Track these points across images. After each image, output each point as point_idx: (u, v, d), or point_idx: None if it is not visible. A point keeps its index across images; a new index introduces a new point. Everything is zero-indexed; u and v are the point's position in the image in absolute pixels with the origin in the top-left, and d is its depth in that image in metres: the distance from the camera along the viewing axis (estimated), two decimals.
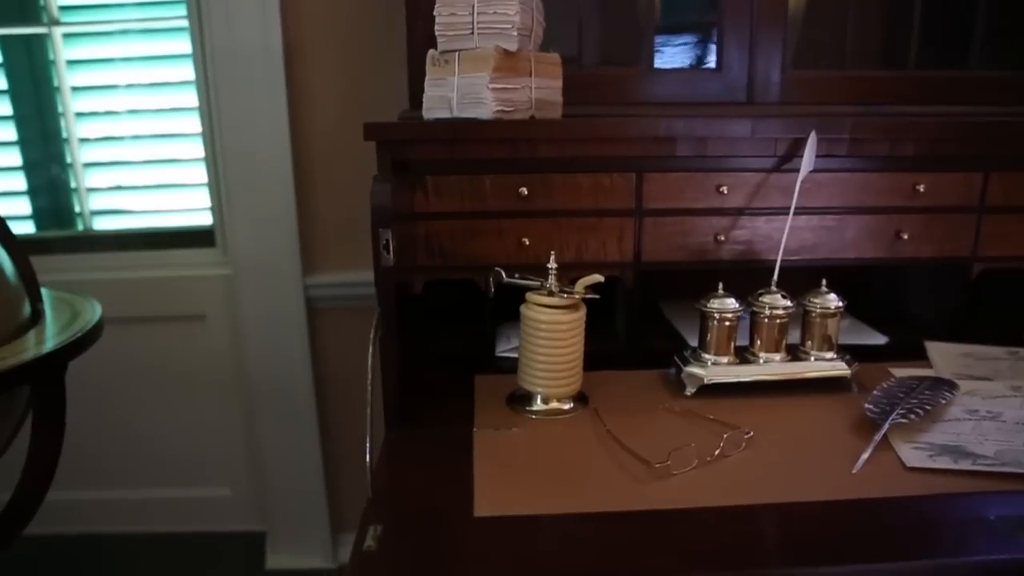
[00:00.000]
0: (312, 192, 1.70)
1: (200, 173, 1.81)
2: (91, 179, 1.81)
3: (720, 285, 1.02)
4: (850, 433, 0.90)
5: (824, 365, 1.02)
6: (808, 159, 1.05)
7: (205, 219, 1.85)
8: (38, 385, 0.97)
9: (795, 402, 0.99)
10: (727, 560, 0.67)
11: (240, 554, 1.94)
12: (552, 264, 0.96)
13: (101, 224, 1.85)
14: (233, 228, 1.71)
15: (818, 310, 1.02)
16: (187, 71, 1.74)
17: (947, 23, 1.34)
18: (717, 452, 0.84)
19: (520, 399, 1.00)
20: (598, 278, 0.93)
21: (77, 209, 1.83)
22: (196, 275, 1.85)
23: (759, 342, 1.03)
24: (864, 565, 0.64)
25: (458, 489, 0.79)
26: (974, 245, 1.13)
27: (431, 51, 1.13)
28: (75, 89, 1.75)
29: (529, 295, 0.97)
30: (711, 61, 1.36)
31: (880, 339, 1.19)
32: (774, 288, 1.02)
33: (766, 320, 1.01)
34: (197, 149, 1.79)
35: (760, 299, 1.01)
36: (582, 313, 0.95)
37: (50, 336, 1.08)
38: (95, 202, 1.83)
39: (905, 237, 1.12)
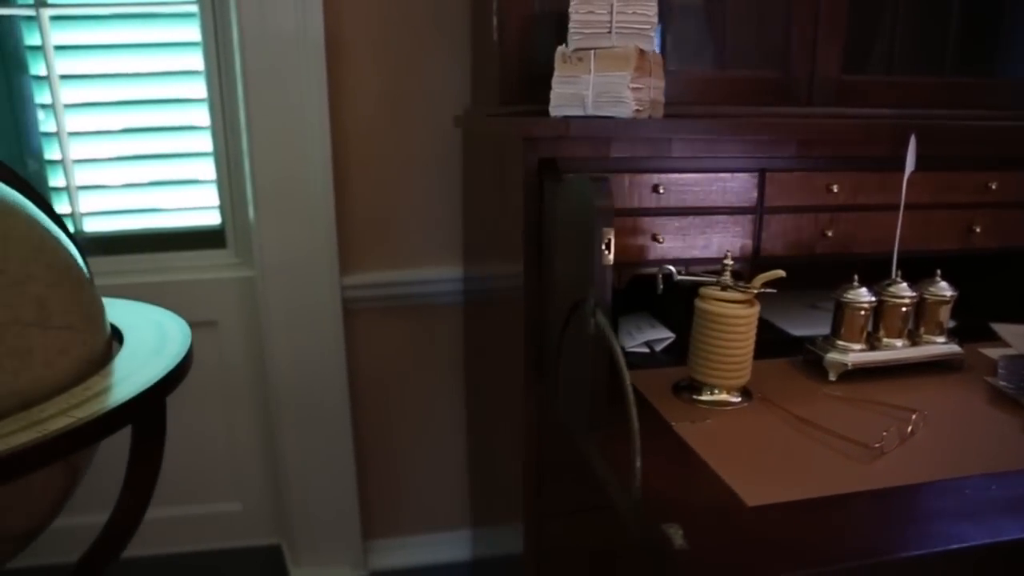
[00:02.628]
0: (347, 189, 1.63)
1: (206, 169, 1.69)
2: (79, 176, 1.64)
3: (856, 277, 1.10)
4: (992, 407, 1.01)
5: (943, 347, 1.12)
6: (910, 160, 1.15)
7: (208, 219, 1.73)
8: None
9: (927, 382, 1.08)
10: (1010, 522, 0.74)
11: (258, 569, 1.84)
12: (728, 260, 1.00)
13: (91, 226, 1.68)
14: (261, 228, 1.61)
15: (933, 297, 1.12)
16: (188, 60, 1.62)
17: (977, 33, 1.50)
18: (910, 430, 0.91)
19: (686, 389, 1.03)
20: (780, 273, 0.97)
21: (67, 210, 1.65)
22: (206, 279, 1.73)
23: (883, 329, 1.12)
24: None
25: (708, 482, 0.81)
26: None
27: (560, 48, 1.13)
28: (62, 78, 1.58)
29: (704, 290, 1.00)
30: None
31: (948, 323, 1.32)
32: (898, 279, 1.11)
33: (891, 308, 1.10)
34: (201, 143, 1.67)
35: (887, 289, 1.10)
36: (757, 308, 0.99)
37: (144, 361, 0.99)
38: (84, 202, 1.66)
39: (977, 230, 1.25)
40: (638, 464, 0.76)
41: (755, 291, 0.99)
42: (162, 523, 1.81)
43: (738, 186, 1.15)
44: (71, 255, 0.95)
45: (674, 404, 1.01)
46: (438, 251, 1.69)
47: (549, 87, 1.16)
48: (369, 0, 1.54)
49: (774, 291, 0.99)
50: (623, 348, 1.21)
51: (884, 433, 0.87)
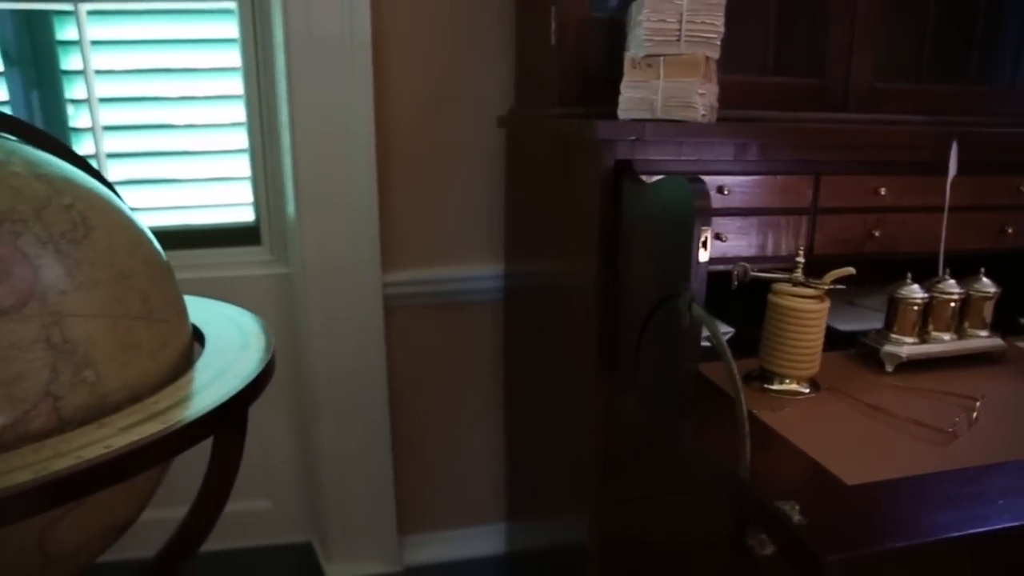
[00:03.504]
0: (387, 187, 1.66)
1: (239, 166, 1.70)
2: (112, 172, 1.65)
3: (909, 275, 1.17)
4: None
5: (987, 341, 1.20)
6: (953, 165, 1.22)
7: (241, 215, 1.74)
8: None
9: (974, 372, 1.16)
10: None
11: (290, 566, 1.86)
12: (800, 258, 1.06)
13: None
14: (303, 226, 1.63)
15: (978, 294, 1.19)
16: (223, 57, 1.64)
17: (999, 45, 1.59)
18: (975, 416, 0.98)
19: (757, 379, 1.09)
20: (850, 270, 1.03)
21: None
22: (241, 275, 1.74)
23: (932, 323, 1.19)
24: None
25: (802, 463, 0.87)
26: None
27: (630, 54, 1.17)
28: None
29: (777, 286, 1.06)
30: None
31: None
32: (946, 276, 1.18)
33: (940, 304, 1.17)
34: (235, 140, 1.69)
35: (936, 286, 1.17)
36: (828, 303, 1.05)
37: (236, 355, 1.01)
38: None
39: (1009, 231, 1.33)
40: (747, 445, 0.81)
41: (826, 287, 1.05)
42: None
43: (795, 188, 1.21)
44: (158, 249, 0.97)
45: (747, 393, 1.06)
46: (478, 249, 1.73)
47: (603, 90, 1.22)
48: (411, 2, 1.58)
49: (843, 287, 1.05)
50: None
51: (956, 419, 0.94)
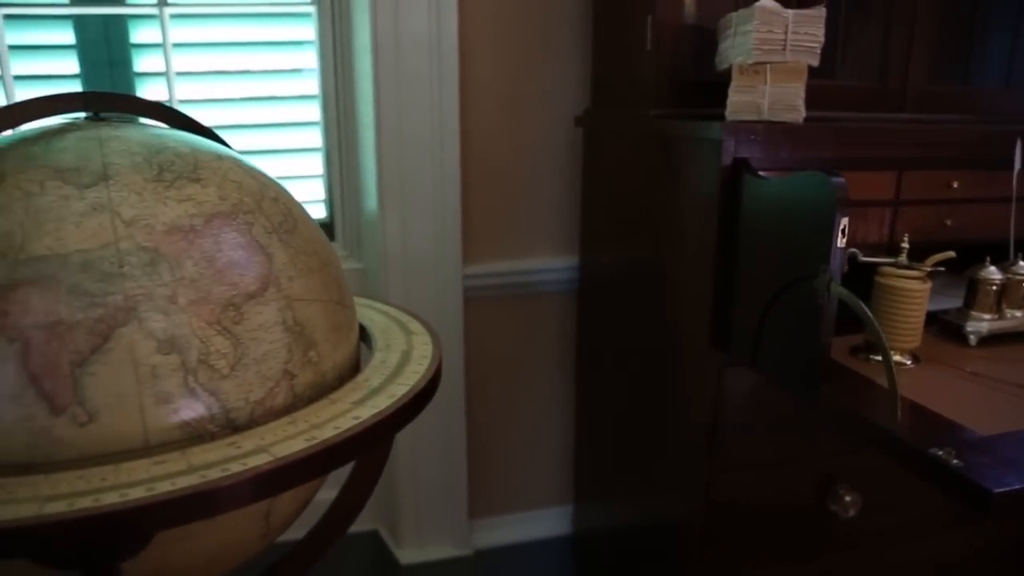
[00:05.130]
0: (467, 183, 1.74)
1: (310, 164, 1.79)
2: None
3: (987, 259, 1.30)
4: None
5: None
6: (1017, 160, 1.36)
7: (311, 212, 1.83)
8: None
9: None
10: None
11: (360, 554, 1.92)
12: (905, 243, 1.18)
13: None
14: (386, 222, 1.71)
15: None
16: (294, 58, 1.73)
17: None
18: None
19: (863, 351, 1.21)
20: (950, 254, 1.16)
21: None
22: None
23: (1006, 301, 1.32)
24: None
25: (931, 419, 0.99)
26: None
27: (739, 60, 1.28)
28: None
29: (884, 269, 1.19)
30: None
31: None
32: (1019, 260, 1.32)
33: (1015, 284, 1.31)
34: (306, 139, 1.77)
35: (1011, 268, 1.31)
36: (930, 284, 1.18)
37: (406, 339, 1.07)
38: None
39: None
40: (899, 401, 0.93)
41: (928, 270, 1.17)
42: None
43: (879, 182, 1.34)
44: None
45: (857, 364, 1.19)
46: (552, 242, 1.83)
47: (693, 92, 1.34)
48: (489, 5, 1.67)
49: (943, 269, 1.18)
50: None
51: None
